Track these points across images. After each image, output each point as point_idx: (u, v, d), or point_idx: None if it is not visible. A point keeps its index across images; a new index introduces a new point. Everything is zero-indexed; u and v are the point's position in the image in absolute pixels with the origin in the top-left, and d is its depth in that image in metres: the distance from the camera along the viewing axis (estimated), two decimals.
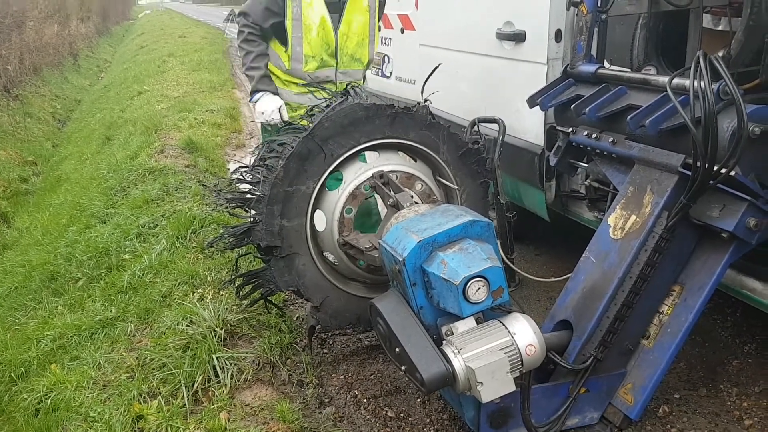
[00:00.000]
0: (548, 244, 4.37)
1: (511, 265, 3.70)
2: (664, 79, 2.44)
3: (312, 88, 3.07)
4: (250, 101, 3.46)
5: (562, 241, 4.19)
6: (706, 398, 2.78)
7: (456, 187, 2.97)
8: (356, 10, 3.39)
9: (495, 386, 2.12)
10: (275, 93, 3.39)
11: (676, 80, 2.39)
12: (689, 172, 2.29)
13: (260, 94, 3.37)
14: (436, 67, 3.30)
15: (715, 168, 2.21)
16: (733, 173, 2.23)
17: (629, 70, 3.81)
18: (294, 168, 2.64)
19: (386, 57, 5.35)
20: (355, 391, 2.93)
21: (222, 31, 28.11)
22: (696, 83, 2.21)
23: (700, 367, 2.98)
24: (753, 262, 2.67)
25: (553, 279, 3.27)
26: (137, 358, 3.09)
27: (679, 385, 2.87)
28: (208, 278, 3.69)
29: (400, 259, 2.25)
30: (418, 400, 2.85)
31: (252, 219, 2.67)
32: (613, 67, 3.81)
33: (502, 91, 3.63)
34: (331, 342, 3.32)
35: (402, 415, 2.76)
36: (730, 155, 2.15)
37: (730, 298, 3.03)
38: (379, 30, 3.59)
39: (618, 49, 4.87)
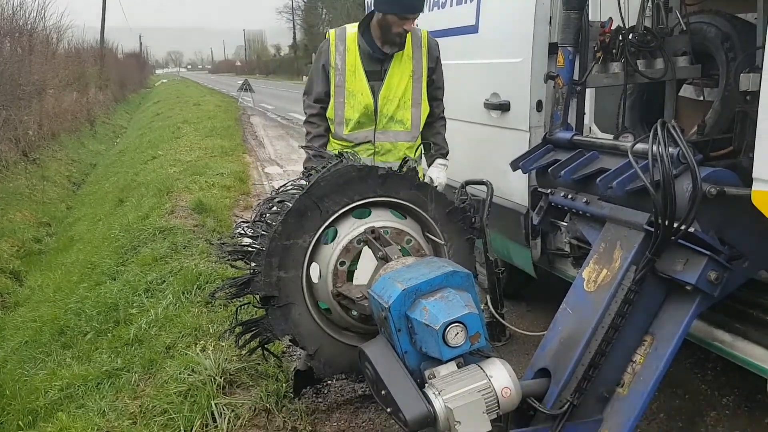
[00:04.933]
0: (540, 301, 4.53)
1: (501, 320, 3.88)
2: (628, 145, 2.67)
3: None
4: None
5: (554, 298, 4.34)
6: None
7: (443, 242, 3.17)
8: (399, 76, 3.53)
9: (472, 426, 2.26)
10: None
11: (640, 146, 2.62)
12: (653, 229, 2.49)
13: None
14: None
15: (675, 225, 2.41)
16: (692, 230, 2.43)
17: (609, 137, 4.07)
18: (292, 223, 2.86)
19: None
20: None
21: (236, 99, 29.13)
22: (656, 149, 2.43)
23: (679, 418, 3.10)
24: (723, 314, 2.84)
25: (541, 333, 3.42)
26: (140, 405, 3.24)
27: None
28: (211, 330, 3.86)
29: (386, 306, 2.44)
30: None
31: (251, 271, 2.87)
32: (590, 135, 4.07)
33: (490, 156, 3.88)
34: (325, 391, 3.46)
35: None
36: (687, 214, 2.36)
37: (711, 352, 3.17)
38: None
39: (608, 116, 5.17)
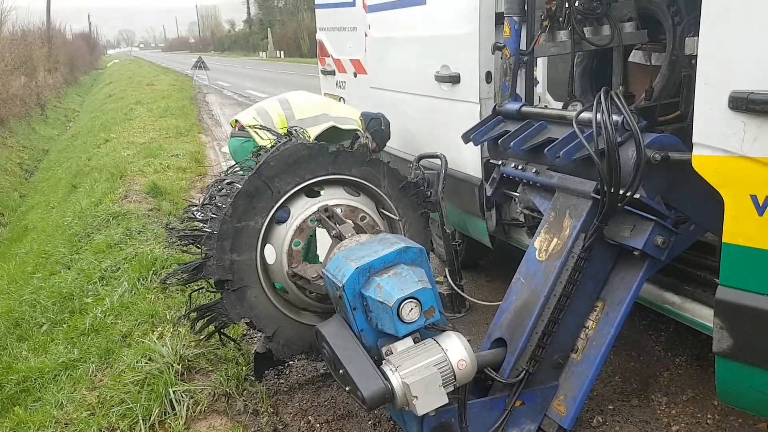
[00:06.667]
0: (499, 271, 4.58)
1: (460, 292, 3.91)
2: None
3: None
4: None
5: (512, 267, 4.39)
6: (637, 408, 2.96)
7: (398, 217, 3.17)
8: None
9: (429, 399, 2.29)
10: None
11: (586, 114, 2.63)
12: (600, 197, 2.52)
13: None
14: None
15: (622, 192, 2.44)
16: (638, 196, 2.46)
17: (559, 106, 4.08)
18: (242, 205, 2.81)
19: (342, 99, 5.60)
20: (309, 418, 3.05)
21: (190, 77, 28.49)
22: (600, 117, 2.45)
23: (633, 380, 3.17)
24: (672, 277, 2.90)
25: (499, 303, 3.46)
26: (98, 396, 3.18)
27: (613, 396, 3.05)
28: (168, 317, 3.81)
29: (340, 285, 2.42)
30: (369, 422, 2.99)
31: (203, 255, 2.82)
32: (540, 104, 4.08)
33: (443, 129, 3.87)
34: (287, 372, 3.45)
35: None
36: (632, 180, 2.39)
37: (664, 314, 3.25)
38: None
39: (560, 85, 5.20)
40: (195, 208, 2.93)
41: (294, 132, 3.02)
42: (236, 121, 3.86)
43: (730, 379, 2.30)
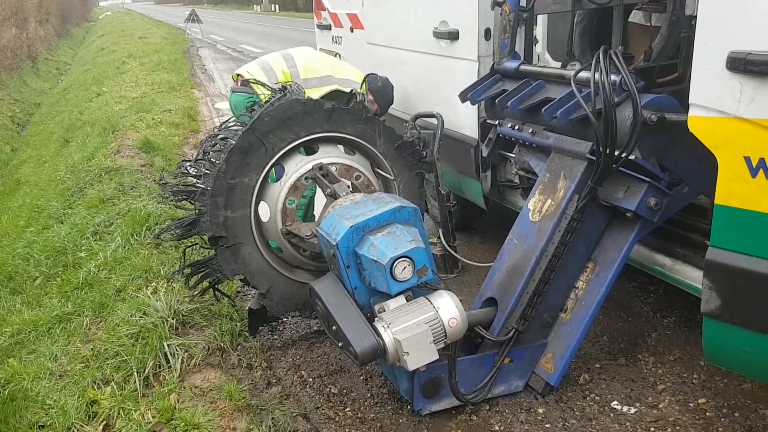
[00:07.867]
0: (493, 233, 4.59)
1: (453, 253, 3.93)
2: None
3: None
4: None
5: (506, 229, 4.40)
6: (624, 367, 3.01)
7: (393, 177, 3.16)
8: None
9: (420, 355, 2.32)
10: None
11: (584, 74, 2.60)
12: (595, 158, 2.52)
13: None
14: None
15: (617, 153, 2.43)
16: (633, 157, 2.46)
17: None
18: (236, 161, 2.80)
19: (338, 55, 5.52)
20: (302, 372, 3.10)
21: (183, 31, 28.01)
22: (598, 77, 2.43)
23: (621, 340, 3.22)
24: (663, 239, 2.92)
25: (492, 264, 3.48)
26: (92, 349, 3.21)
27: (600, 355, 3.10)
28: (162, 272, 3.81)
29: (334, 244, 2.43)
30: (361, 377, 3.03)
31: (197, 211, 2.82)
32: (539, 63, 4.03)
33: (440, 87, 3.83)
34: (281, 328, 3.49)
35: (345, 391, 2.95)
36: (628, 141, 2.38)
37: (654, 276, 3.28)
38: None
39: (560, 44, 5.12)
40: (188, 164, 2.91)
41: (288, 87, 2.98)
42: (238, 75, 3.81)
43: (717, 339, 2.33)
